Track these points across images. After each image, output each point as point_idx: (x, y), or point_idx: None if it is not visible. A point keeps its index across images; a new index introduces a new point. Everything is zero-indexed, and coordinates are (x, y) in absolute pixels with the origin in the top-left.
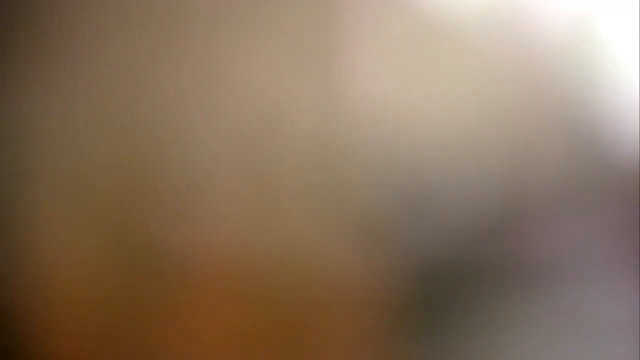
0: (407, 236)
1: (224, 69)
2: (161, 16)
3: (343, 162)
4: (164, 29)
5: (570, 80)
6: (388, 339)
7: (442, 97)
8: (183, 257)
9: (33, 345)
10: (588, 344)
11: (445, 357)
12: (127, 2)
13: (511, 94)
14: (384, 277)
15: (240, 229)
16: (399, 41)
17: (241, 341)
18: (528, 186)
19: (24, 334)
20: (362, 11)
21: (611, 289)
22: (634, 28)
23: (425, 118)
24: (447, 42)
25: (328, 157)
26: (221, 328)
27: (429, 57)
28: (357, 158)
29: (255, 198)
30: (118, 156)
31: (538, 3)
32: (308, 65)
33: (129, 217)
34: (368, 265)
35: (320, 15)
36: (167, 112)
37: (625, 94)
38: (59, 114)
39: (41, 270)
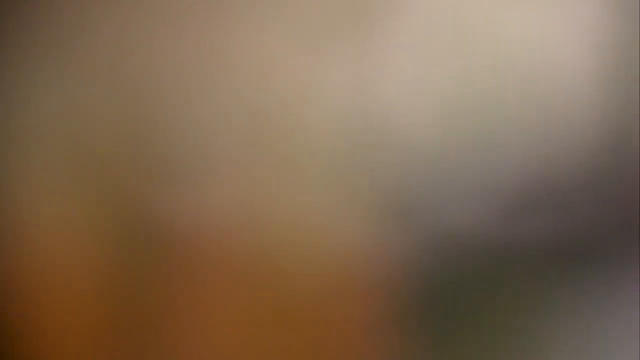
0: (428, 218)
1: (247, 47)
2: None
3: (366, 140)
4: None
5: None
6: (403, 321)
7: (470, 79)
8: (190, 237)
9: (28, 330)
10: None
11: (461, 342)
12: None
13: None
14: (402, 259)
15: (254, 207)
16: (429, 23)
17: (250, 322)
18: (550, 168)
19: (19, 314)
20: None
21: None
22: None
23: (454, 99)
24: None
25: (351, 135)
26: (230, 309)
27: (459, 41)
28: (380, 138)
29: (272, 177)
30: (120, 132)
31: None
32: (336, 45)
33: (132, 195)
34: (386, 246)
35: None
36: (185, 92)
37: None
38: (56, 88)
39: (36, 254)
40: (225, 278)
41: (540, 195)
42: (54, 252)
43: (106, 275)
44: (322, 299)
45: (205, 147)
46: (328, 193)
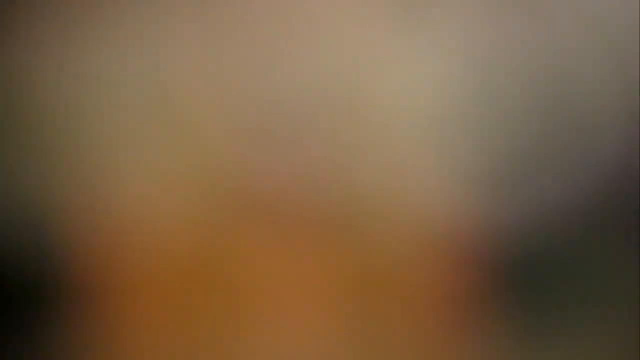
0: (526, 190)
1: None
2: None
3: (466, 108)
4: None
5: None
6: (494, 294)
7: None
8: (280, 200)
9: (118, 289)
10: None
11: (548, 324)
12: None
13: None
14: (499, 230)
15: (348, 172)
16: None
17: (335, 290)
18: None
19: (110, 277)
20: None
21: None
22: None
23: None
24: None
25: (450, 102)
26: (316, 276)
27: None
28: (482, 106)
29: (365, 141)
30: (213, 91)
31: None
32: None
33: (222, 156)
34: (482, 217)
35: None
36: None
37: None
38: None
39: (130, 218)
40: (314, 243)
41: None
42: (146, 211)
43: (193, 235)
44: (412, 267)
45: (296, 108)
46: (425, 159)
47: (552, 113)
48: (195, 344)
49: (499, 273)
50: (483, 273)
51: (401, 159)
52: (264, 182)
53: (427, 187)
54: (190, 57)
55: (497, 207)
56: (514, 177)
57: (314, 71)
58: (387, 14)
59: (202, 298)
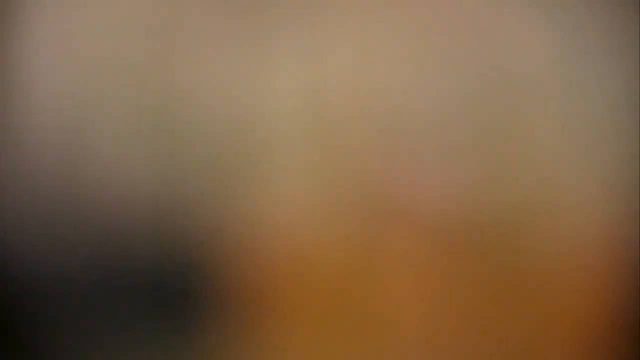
0: None
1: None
2: None
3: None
4: None
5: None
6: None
7: None
8: (408, 207)
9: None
10: None
11: None
12: None
13: None
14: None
15: (479, 177)
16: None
17: (459, 297)
18: None
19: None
20: None
21: None
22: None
23: None
24: None
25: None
26: (436, 281)
27: None
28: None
29: (512, 157)
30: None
31: None
32: None
33: (360, 167)
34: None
35: None
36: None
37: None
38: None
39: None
40: (456, 254)
41: None
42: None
43: (342, 243)
44: (558, 289)
45: (436, 126)
46: (585, 178)
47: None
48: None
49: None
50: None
51: (544, 172)
52: (408, 190)
53: (577, 201)
54: (340, 62)
55: None
56: None
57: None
58: None
59: (348, 307)
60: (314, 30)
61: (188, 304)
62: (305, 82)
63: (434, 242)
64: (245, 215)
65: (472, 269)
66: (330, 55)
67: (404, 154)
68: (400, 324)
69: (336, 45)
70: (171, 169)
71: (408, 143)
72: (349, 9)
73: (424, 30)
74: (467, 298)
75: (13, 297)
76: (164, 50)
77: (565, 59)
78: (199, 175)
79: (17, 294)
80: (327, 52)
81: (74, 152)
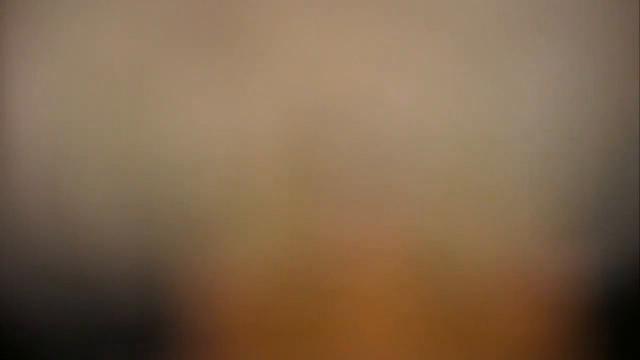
0: (604, 238)
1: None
2: None
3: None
4: None
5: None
6: (574, 340)
7: None
8: (349, 246)
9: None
10: None
11: None
12: None
13: None
14: (571, 282)
15: (412, 215)
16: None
17: (405, 337)
18: None
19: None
20: None
21: None
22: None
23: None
24: None
25: (521, 145)
26: (387, 318)
27: None
28: (556, 150)
29: (427, 183)
30: (287, 156)
31: None
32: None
33: (300, 213)
34: (555, 266)
35: None
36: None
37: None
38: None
39: (207, 254)
40: (382, 290)
41: None
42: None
43: (274, 288)
44: (492, 309)
45: (366, 171)
46: (494, 213)
47: (619, 150)
48: None
49: (580, 318)
50: (558, 322)
51: (474, 203)
52: (345, 231)
53: (508, 232)
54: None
55: (578, 252)
56: (591, 220)
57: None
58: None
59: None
60: (289, 61)
61: (160, 345)
62: (282, 121)
63: (389, 287)
64: (216, 261)
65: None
66: (307, 90)
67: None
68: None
69: (312, 78)
70: (142, 212)
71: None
72: (323, 38)
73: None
74: (423, 325)
75: None
76: (137, 88)
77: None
78: (170, 218)
79: None
80: (303, 88)
81: (47, 193)
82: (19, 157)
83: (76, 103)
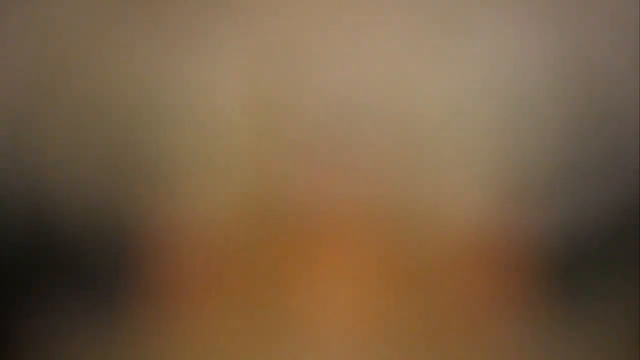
0: (556, 200)
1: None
2: None
3: (496, 119)
4: None
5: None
6: (519, 304)
7: None
8: (316, 206)
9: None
10: None
11: (578, 328)
12: None
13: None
14: (525, 240)
15: (381, 177)
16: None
17: (361, 296)
18: None
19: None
20: None
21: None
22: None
23: (575, 86)
24: None
25: (479, 112)
26: (349, 278)
27: None
28: (511, 117)
29: (394, 149)
30: (253, 108)
31: None
32: (443, 31)
33: (256, 168)
34: (511, 225)
35: None
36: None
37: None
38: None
39: (167, 206)
40: (342, 249)
41: None
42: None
43: (234, 241)
44: (444, 270)
45: (334, 135)
46: (454, 177)
47: (582, 120)
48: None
49: (530, 276)
50: (512, 279)
51: (436, 166)
52: (297, 187)
53: (463, 194)
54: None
55: (529, 212)
56: (546, 184)
57: (345, 80)
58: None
59: (264, 304)
60: (257, 14)
61: (113, 294)
62: (252, 75)
63: (351, 243)
64: (171, 211)
65: (366, 259)
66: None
67: (328, 160)
68: (315, 324)
69: (280, 36)
70: (97, 163)
71: (334, 148)
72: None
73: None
74: (380, 292)
75: None
76: (100, 42)
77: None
78: (125, 170)
79: None
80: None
81: (12, 149)
82: None
83: (40, 57)
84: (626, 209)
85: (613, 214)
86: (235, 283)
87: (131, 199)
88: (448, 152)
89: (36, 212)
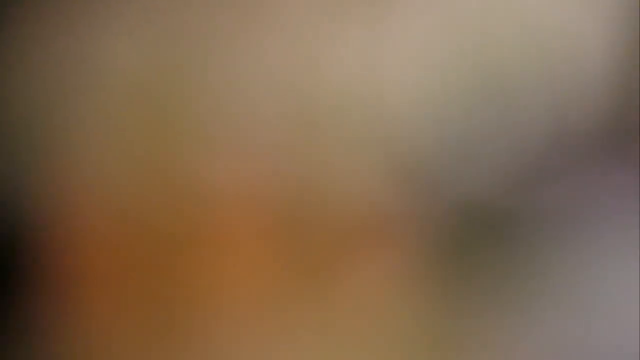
0: (447, 179)
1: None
2: None
3: (388, 102)
4: None
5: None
6: (416, 280)
7: (481, 50)
8: (210, 188)
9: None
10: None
11: (474, 302)
12: None
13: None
14: (418, 218)
15: (275, 161)
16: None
17: (266, 276)
18: (569, 138)
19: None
20: None
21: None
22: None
23: (467, 68)
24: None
25: (373, 97)
26: (247, 263)
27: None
28: (401, 100)
29: (291, 132)
30: (147, 91)
31: None
32: (353, 11)
33: (157, 150)
34: (403, 204)
35: None
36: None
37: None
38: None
39: (67, 193)
40: (244, 230)
41: (544, 165)
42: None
43: (130, 225)
44: (340, 252)
45: (238, 118)
46: (351, 160)
47: (482, 109)
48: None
49: (424, 256)
50: (408, 255)
51: (336, 162)
52: (199, 170)
53: (359, 174)
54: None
55: (418, 200)
56: (432, 175)
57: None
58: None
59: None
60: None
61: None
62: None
63: (249, 231)
64: (71, 193)
65: (280, 245)
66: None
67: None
68: (214, 316)
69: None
70: None
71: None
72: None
73: None
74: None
75: None
76: None
77: None
78: (26, 150)
79: None
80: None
81: None
82: None
83: None
84: (514, 187)
85: (506, 194)
86: (127, 268)
87: (26, 190)
88: (343, 136)
89: None
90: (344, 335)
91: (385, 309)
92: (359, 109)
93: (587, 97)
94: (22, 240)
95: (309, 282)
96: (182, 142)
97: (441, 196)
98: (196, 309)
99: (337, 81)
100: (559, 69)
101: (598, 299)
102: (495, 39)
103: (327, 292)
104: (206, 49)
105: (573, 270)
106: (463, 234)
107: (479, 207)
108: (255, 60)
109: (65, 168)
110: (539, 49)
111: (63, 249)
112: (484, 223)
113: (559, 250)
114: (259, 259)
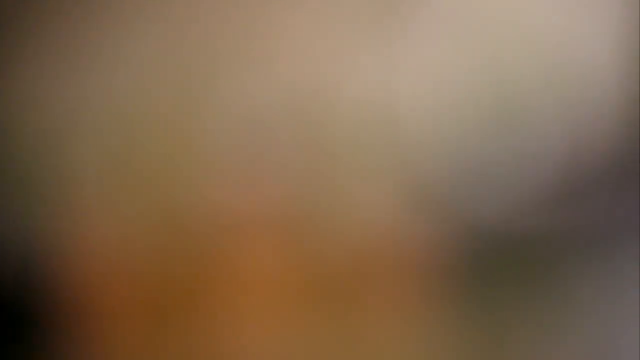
0: (462, 204)
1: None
2: None
3: (403, 127)
4: None
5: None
6: (431, 305)
7: (495, 73)
8: (225, 217)
9: (69, 306)
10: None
11: (488, 327)
12: None
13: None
14: (433, 243)
15: (290, 188)
16: (453, 14)
17: (282, 299)
18: (583, 162)
19: (61, 294)
20: None
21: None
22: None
23: (479, 91)
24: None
25: (388, 121)
26: (264, 287)
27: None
28: (416, 125)
29: (305, 158)
30: (159, 121)
31: None
32: (365, 34)
33: (172, 182)
34: (419, 229)
35: None
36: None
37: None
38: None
39: (77, 230)
40: (261, 255)
41: (559, 189)
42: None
43: (141, 251)
44: (355, 278)
45: (253, 145)
46: (366, 185)
47: (498, 134)
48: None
49: (440, 281)
50: (424, 280)
51: (350, 187)
52: (216, 195)
53: (376, 200)
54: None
55: (432, 226)
56: (443, 199)
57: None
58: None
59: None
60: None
61: (34, 319)
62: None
63: (263, 253)
64: (88, 231)
65: (292, 262)
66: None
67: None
68: (229, 336)
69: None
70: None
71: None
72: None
73: None
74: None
75: None
76: None
77: None
78: (28, 201)
79: None
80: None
81: None
82: None
83: None
84: (529, 211)
85: (518, 217)
86: (148, 300)
87: (36, 222)
88: (358, 161)
89: None
90: (367, 356)
91: (402, 334)
92: (374, 133)
93: (602, 120)
94: (36, 282)
95: (325, 308)
96: (195, 171)
97: (457, 221)
98: (214, 342)
99: (352, 105)
100: (574, 93)
101: (615, 322)
102: (510, 63)
103: (343, 318)
104: (217, 77)
105: (591, 294)
106: (479, 258)
107: (495, 232)
108: (269, 84)
109: (76, 208)
110: (555, 72)
111: (77, 289)
112: (500, 248)
113: (577, 274)
114: (275, 289)
